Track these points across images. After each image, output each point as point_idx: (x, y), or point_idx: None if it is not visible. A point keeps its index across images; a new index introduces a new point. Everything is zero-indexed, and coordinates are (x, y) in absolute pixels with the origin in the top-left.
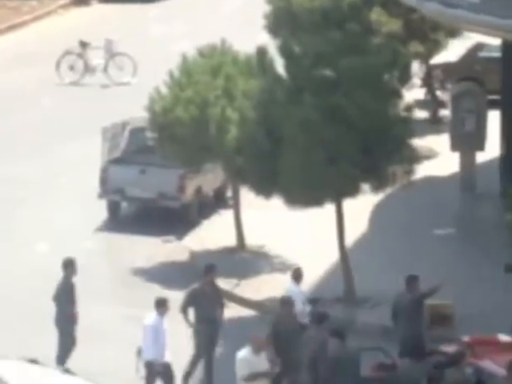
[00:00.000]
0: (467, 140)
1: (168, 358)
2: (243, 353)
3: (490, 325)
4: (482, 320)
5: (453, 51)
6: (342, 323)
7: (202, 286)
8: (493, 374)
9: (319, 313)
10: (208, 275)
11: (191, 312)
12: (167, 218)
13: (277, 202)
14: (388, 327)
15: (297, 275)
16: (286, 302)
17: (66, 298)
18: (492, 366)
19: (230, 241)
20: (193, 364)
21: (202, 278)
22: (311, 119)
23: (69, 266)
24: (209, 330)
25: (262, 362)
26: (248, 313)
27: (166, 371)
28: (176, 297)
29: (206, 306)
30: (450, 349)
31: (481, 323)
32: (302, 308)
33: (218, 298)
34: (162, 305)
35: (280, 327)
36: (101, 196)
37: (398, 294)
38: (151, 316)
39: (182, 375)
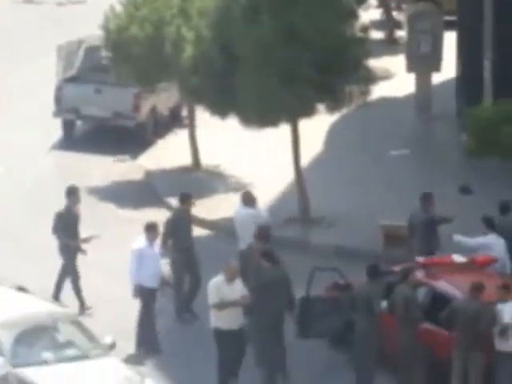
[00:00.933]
0: (423, 61)
1: (155, 284)
2: (216, 280)
3: (445, 246)
4: None
5: None
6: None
7: (178, 214)
8: (447, 294)
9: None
10: (184, 204)
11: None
12: (122, 137)
13: (232, 122)
14: (342, 247)
15: (246, 199)
16: (265, 236)
17: (67, 228)
18: (446, 286)
19: (185, 160)
20: (192, 292)
21: (178, 206)
22: (267, 38)
23: (71, 194)
24: (184, 259)
25: (235, 291)
26: (203, 232)
27: (149, 297)
28: (130, 215)
29: (182, 235)
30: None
31: None
32: (253, 231)
33: (191, 226)
34: (151, 229)
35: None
36: (56, 115)
37: (412, 211)
38: (139, 240)
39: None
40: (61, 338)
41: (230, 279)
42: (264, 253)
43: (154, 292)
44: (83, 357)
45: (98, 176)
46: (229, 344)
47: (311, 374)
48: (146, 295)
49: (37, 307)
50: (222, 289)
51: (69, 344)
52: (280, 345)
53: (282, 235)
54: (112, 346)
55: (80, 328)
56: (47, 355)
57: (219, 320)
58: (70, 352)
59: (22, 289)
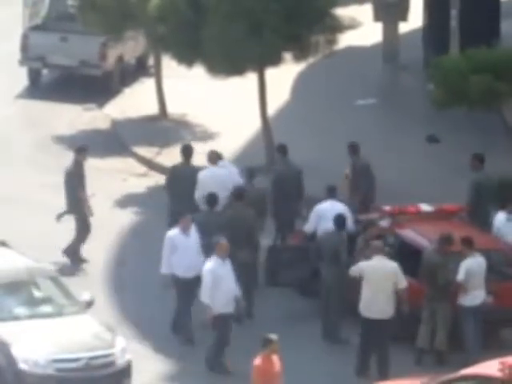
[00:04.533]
0: (390, 10)
1: (190, 274)
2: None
3: (411, 194)
4: (403, 189)
5: None
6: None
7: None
8: (414, 244)
9: (237, 189)
10: (187, 157)
11: None
12: (88, 85)
13: (199, 71)
14: (309, 196)
15: (212, 158)
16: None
17: None
18: (413, 235)
19: (152, 109)
20: None
21: (181, 159)
22: None
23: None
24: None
25: None
26: None
27: (183, 287)
28: (96, 164)
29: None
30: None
31: (402, 193)
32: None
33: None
34: (183, 218)
35: None
36: (21, 63)
37: None
38: (174, 228)
39: None
40: (37, 294)
41: None
42: (208, 197)
43: (189, 282)
44: (56, 314)
45: (64, 125)
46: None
47: (278, 322)
48: (179, 286)
49: (15, 263)
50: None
51: (44, 300)
52: None
53: None
54: (90, 303)
55: (57, 284)
56: (20, 311)
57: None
58: (44, 308)
59: (3, 244)
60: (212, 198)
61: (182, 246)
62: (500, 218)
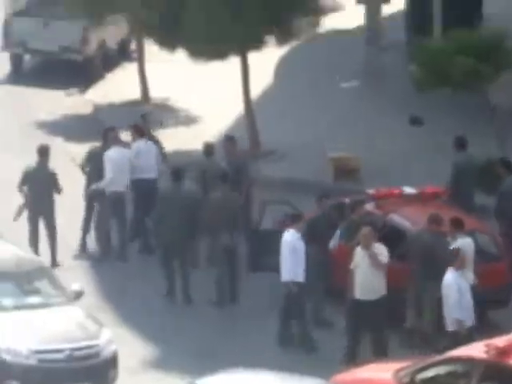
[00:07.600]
0: None
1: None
2: None
3: (395, 176)
4: (386, 171)
5: None
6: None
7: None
8: (398, 226)
9: (222, 171)
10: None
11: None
12: (70, 71)
13: (181, 55)
14: (293, 179)
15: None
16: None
17: None
18: (397, 218)
19: (134, 94)
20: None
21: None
22: None
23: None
24: None
25: None
26: None
27: (300, 291)
28: (78, 149)
29: None
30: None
31: (385, 175)
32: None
33: None
34: (297, 219)
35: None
36: (3, 49)
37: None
38: (288, 232)
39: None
40: (25, 284)
41: None
42: (173, 170)
43: (303, 286)
44: (43, 304)
45: (46, 110)
46: None
47: (263, 307)
48: (299, 292)
49: (3, 253)
50: None
51: (32, 291)
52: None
53: None
54: (79, 294)
55: (46, 275)
56: (6, 302)
57: None
58: (31, 299)
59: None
60: (177, 173)
61: (301, 250)
62: None
